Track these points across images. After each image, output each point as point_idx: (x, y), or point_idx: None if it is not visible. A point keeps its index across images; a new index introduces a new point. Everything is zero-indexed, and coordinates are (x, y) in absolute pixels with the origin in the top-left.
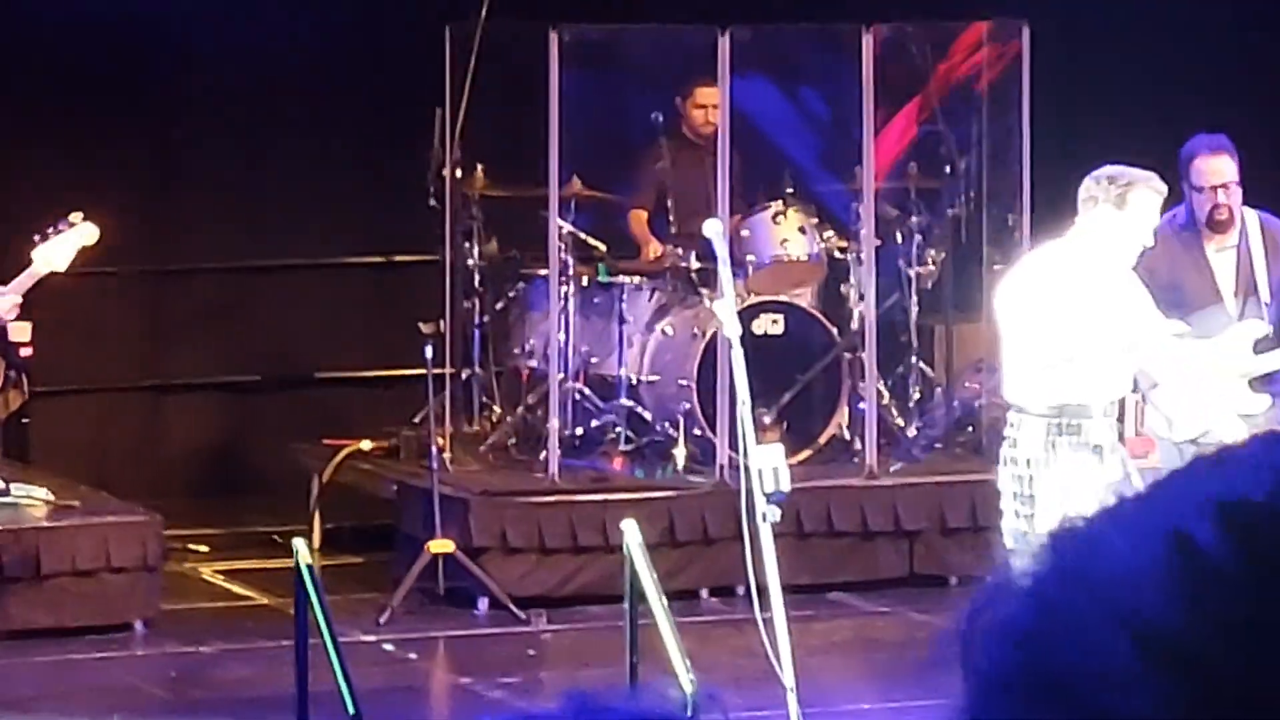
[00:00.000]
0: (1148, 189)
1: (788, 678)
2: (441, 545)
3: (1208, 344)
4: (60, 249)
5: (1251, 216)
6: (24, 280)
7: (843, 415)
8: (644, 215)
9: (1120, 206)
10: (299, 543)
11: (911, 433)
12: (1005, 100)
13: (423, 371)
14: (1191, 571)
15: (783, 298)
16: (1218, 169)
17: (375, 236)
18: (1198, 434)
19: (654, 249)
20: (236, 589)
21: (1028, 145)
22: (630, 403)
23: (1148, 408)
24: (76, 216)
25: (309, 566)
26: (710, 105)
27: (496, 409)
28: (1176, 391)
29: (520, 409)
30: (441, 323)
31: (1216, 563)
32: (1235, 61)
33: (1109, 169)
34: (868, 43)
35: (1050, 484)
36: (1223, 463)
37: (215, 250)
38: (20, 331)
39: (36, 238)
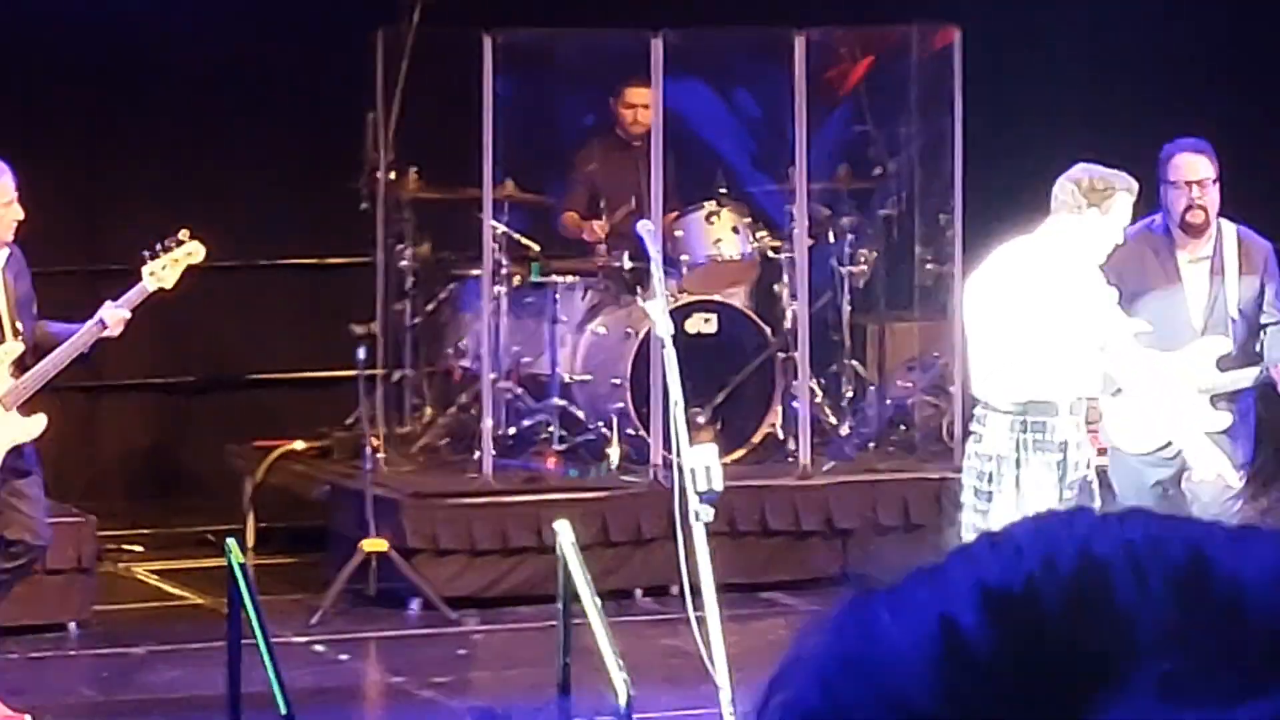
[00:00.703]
0: (1125, 192)
1: (721, 677)
2: (374, 545)
3: (1169, 357)
4: (169, 267)
5: (1229, 230)
6: (134, 296)
7: (776, 414)
8: (575, 217)
9: (1103, 211)
10: (232, 543)
11: (844, 431)
12: (937, 101)
13: (355, 372)
14: (954, 659)
15: (716, 297)
16: (1195, 165)
17: (308, 238)
18: (1155, 448)
19: (597, 227)
20: (170, 589)
21: (959, 145)
22: (563, 402)
23: (1107, 416)
24: (184, 234)
25: (242, 566)
26: (640, 105)
27: (429, 409)
28: (1136, 403)
29: (453, 409)
30: (374, 324)
31: (976, 651)
32: (1164, 61)
33: (1086, 172)
34: (799, 45)
35: (1012, 481)
36: (997, 545)
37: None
38: None
39: (145, 254)
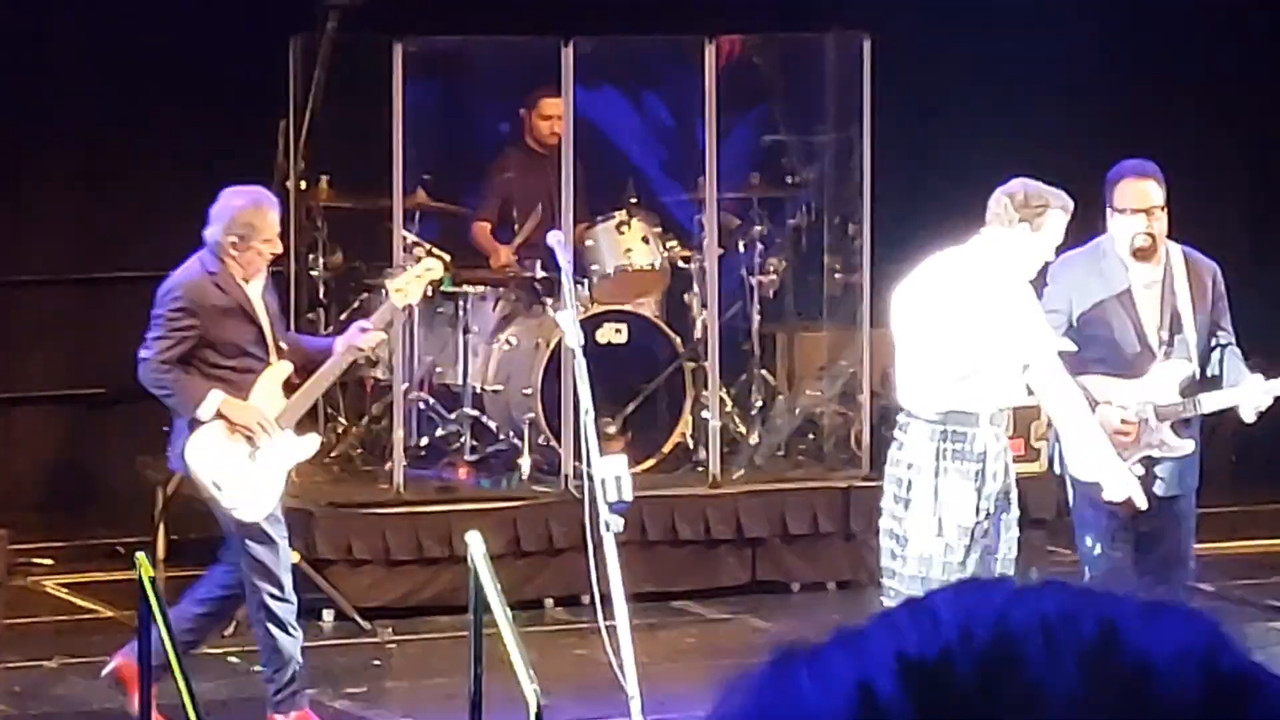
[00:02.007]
0: (1059, 209)
1: (631, 685)
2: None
3: (1132, 385)
4: (411, 283)
5: (1175, 250)
6: (384, 315)
7: (686, 424)
8: (487, 227)
9: (1034, 227)
10: (141, 556)
11: (754, 440)
12: (847, 110)
13: None
14: None
15: (626, 307)
16: (1145, 192)
17: None
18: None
19: (504, 254)
20: (81, 602)
21: (869, 155)
22: (475, 412)
23: (1063, 445)
24: (420, 251)
25: (152, 579)
26: (556, 116)
27: (341, 420)
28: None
29: (365, 419)
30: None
31: (892, 713)
32: (1081, 70)
33: (1022, 186)
34: (710, 53)
35: (929, 490)
36: (916, 614)
37: (59, 262)
38: None
39: (389, 270)
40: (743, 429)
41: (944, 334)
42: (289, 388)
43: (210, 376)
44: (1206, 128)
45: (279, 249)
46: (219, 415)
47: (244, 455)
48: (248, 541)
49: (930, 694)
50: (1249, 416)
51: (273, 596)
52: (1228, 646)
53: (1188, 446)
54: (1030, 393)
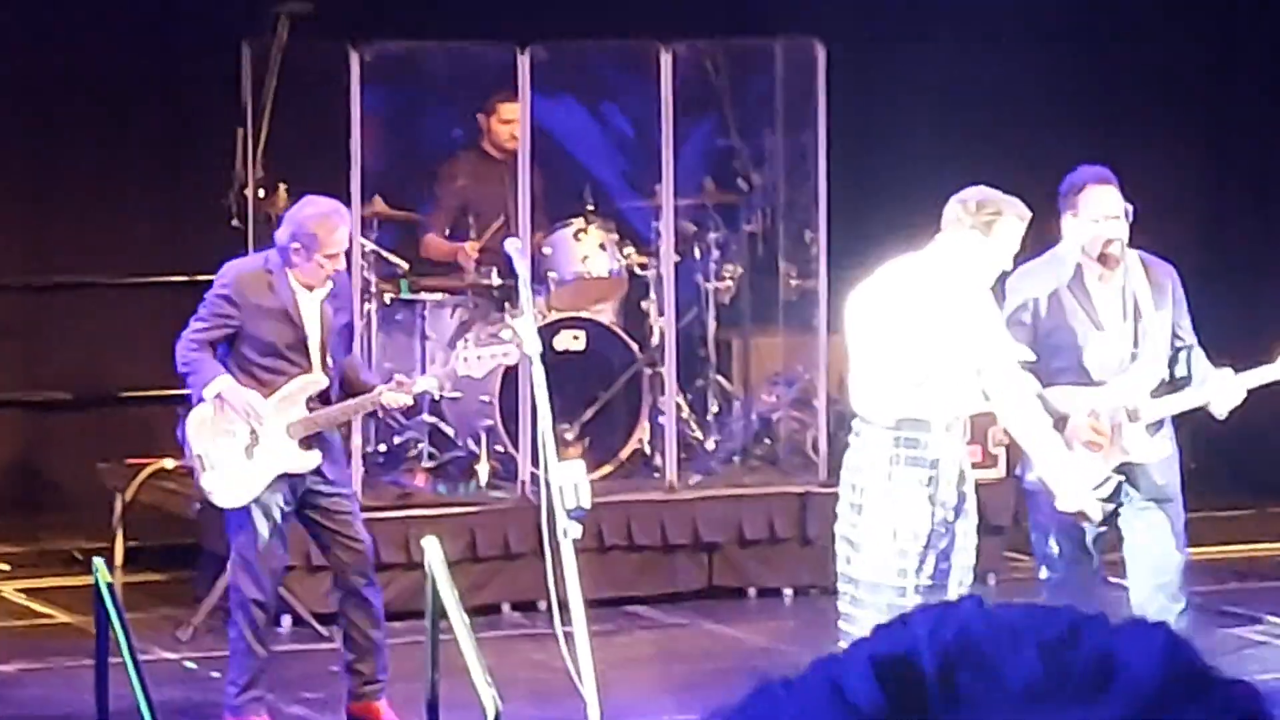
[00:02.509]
0: (1014, 217)
1: (588, 691)
2: None
3: (1100, 391)
4: (482, 359)
5: (1132, 255)
6: (442, 376)
7: (643, 430)
8: (436, 240)
9: (986, 234)
10: (99, 561)
11: (710, 446)
12: (801, 116)
13: None
14: (843, 714)
15: (583, 314)
16: (1110, 199)
17: (178, 255)
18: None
19: (470, 247)
20: (38, 607)
21: (824, 161)
22: (433, 419)
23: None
24: (508, 333)
25: (109, 585)
26: (514, 120)
27: None
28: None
29: None
30: None
31: (863, 707)
32: (1034, 76)
33: (977, 194)
34: (666, 61)
35: (882, 496)
36: (889, 625)
37: (17, 267)
38: None
39: (467, 338)
40: (699, 434)
41: (898, 340)
42: (320, 401)
43: (241, 369)
44: (1160, 128)
45: (342, 265)
46: (219, 398)
47: (241, 444)
48: (229, 532)
49: (898, 685)
50: (1222, 412)
51: (253, 600)
52: (1188, 646)
53: (1164, 450)
54: (986, 399)
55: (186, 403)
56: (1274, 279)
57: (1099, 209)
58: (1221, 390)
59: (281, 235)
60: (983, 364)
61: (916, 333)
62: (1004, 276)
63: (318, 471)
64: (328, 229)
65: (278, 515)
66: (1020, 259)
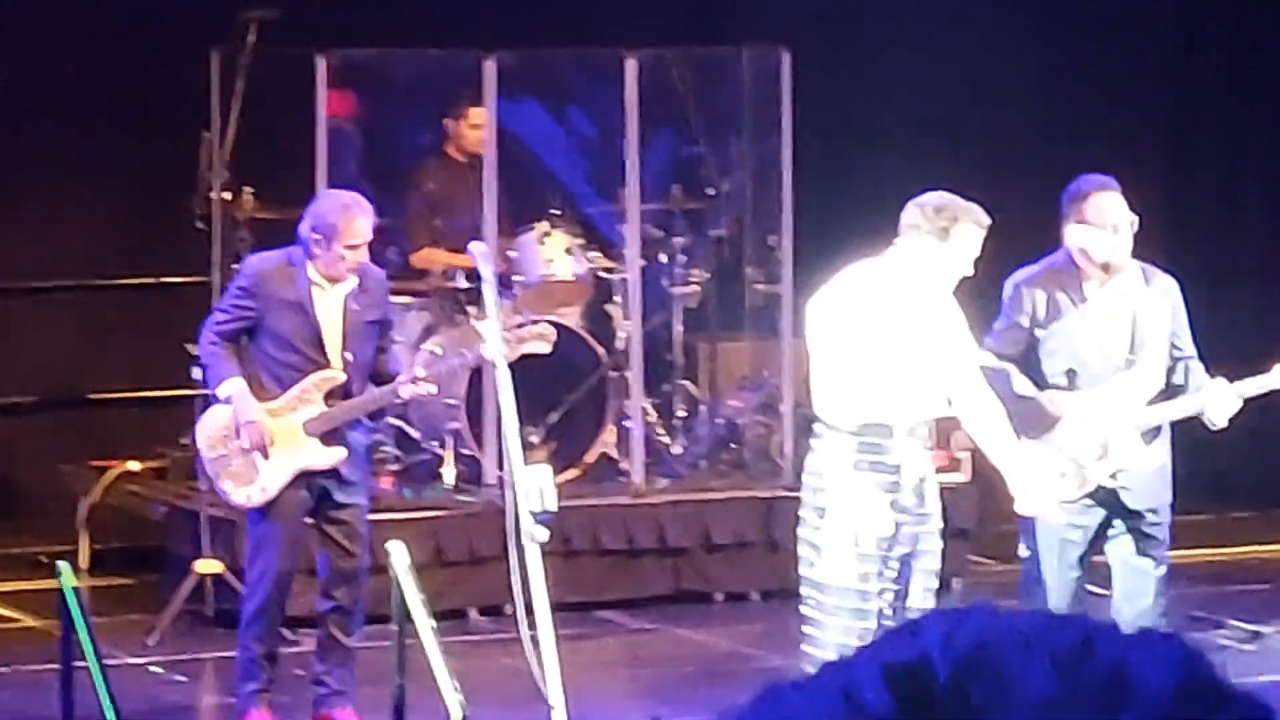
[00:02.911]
0: (971, 223)
1: (554, 696)
2: (209, 566)
3: (1097, 398)
4: (511, 344)
5: (1133, 265)
6: (457, 364)
7: (609, 434)
8: (434, 251)
9: (942, 239)
10: (64, 565)
11: (677, 451)
12: (767, 123)
13: (191, 392)
14: None
15: (549, 318)
16: (1118, 205)
17: (144, 258)
18: (1072, 498)
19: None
20: (3, 611)
21: (789, 167)
22: (398, 422)
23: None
24: (546, 328)
25: (74, 589)
26: (485, 125)
27: None
28: (1035, 452)
29: None
30: None
31: (876, 714)
32: (1002, 81)
33: (934, 199)
34: (630, 67)
35: (843, 500)
36: (899, 632)
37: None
38: None
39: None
40: (665, 439)
41: (859, 345)
42: (340, 396)
43: (259, 363)
44: (1133, 134)
45: (364, 256)
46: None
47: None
48: (248, 526)
49: (911, 694)
50: (1219, 422)
51: (266, 597)
52: (1203, 659)
53: (1158, 459)
54: (949, 403)
55: (188, 402)
56: (1248, 288)
57: (1111, 216)
58: (1217, 399)
59: (303, 228)
60: (945, 367)
61: (877, 338)
62: (1004, 282)
63: (338, 476)
64: (347, 219)
65: (296, 514)
66: (1019, 264)
